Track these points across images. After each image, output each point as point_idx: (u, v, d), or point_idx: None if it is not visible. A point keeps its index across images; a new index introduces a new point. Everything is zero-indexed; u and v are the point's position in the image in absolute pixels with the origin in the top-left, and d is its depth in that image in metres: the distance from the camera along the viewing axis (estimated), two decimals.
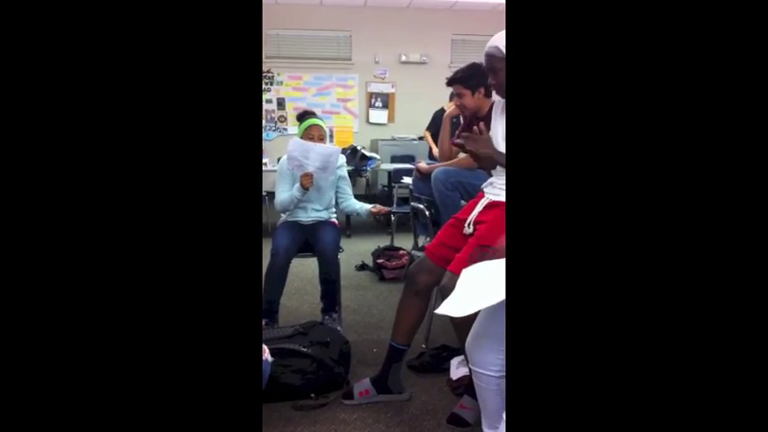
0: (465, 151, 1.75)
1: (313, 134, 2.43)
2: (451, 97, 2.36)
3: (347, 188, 2.60)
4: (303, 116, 2.51)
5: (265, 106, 6.33)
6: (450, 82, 2.30)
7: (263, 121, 6.36)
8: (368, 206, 2.53)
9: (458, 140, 1.71)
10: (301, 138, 2.43)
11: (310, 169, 2.35)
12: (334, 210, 2.62)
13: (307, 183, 2.35)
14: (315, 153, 2.34)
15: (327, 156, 2.36)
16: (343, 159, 2.60)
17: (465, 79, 2.22)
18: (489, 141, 1.67)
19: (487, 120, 1.77)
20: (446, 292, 1.66)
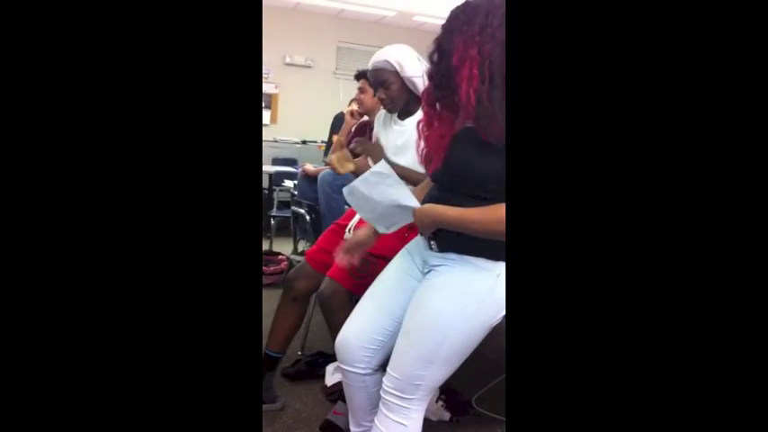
0: (356, 156, 1.78)
1: None
2: (351, 103, 2.40)
3: None
4: None
5: None
6: (359, 75, 2.33)
7: None
8: None
9: (352, 146, 1.75)
10: None
11: None
12: None
13: None
14: None
15: None
16: None
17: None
18: (382, 150, 1.72)
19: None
20: (323, 298, 1.65)
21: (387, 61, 1.61)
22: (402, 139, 1.68)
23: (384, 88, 1.64)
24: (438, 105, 1.16)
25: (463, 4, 1.11)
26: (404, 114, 1.70)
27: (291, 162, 4.78)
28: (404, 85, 1.63)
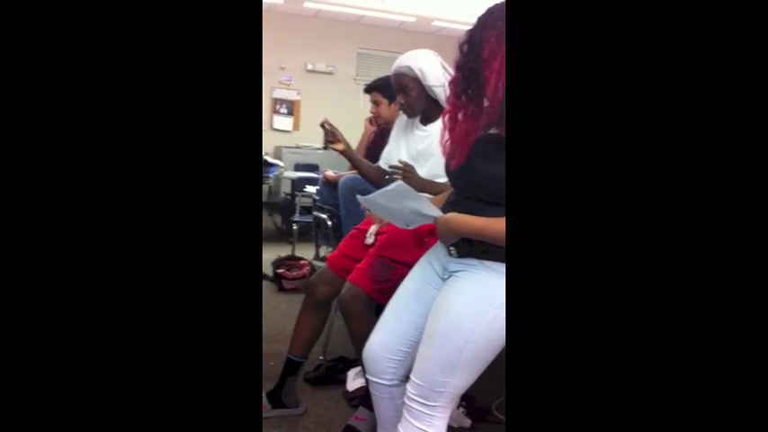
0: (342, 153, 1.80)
1: None
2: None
3: None
4: None
5: None
6: (368, 89, 2.32)
7: None
8: None
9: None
10: None
11: None
12: None
13: None
14: None
15: None
16: None
17: (383, 88, 2.25)
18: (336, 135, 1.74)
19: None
20: (344, 303, 1.66)
21: (409, 67, 1.61)
22: (424, 143, 1.68)
23: (404, 93, 1.65)
24: (464, 98, 1.16)
25: (500, 3, 1.12)
26: (425, 120, 1.70)
27: (313, 168, 4.82)
28: (424, 92, 1.62)
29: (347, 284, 1.68)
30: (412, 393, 1.12)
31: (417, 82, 1.61)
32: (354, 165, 1.87)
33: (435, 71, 1.60)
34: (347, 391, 1.95)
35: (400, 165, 1.54)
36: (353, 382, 1.96)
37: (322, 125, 1.76)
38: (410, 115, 1.71)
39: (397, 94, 1.68)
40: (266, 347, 2.34)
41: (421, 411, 1.11)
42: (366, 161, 1.92)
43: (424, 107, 1.66)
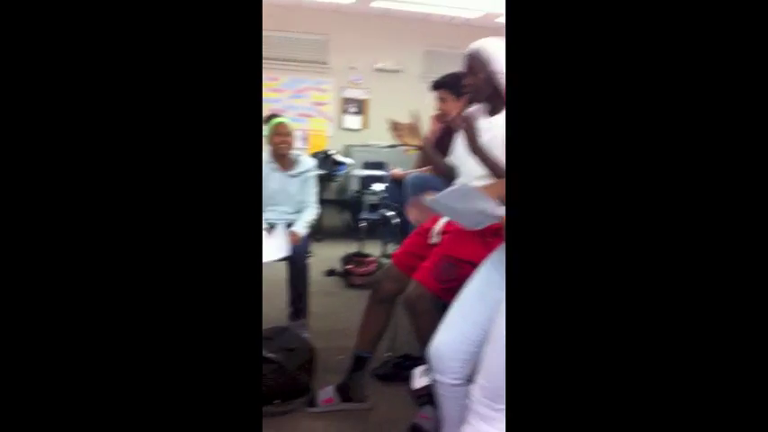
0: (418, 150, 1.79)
1: (279, 132, 2.46)
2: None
3: (307, 196, 2.59)
4: (270, 118, 2.55)
5: None
6: (436, 86, 2.32)
7: None
8: (295, 228, 2.48)
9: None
10: (271, 136, 2.47)
11: None
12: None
13: None
14: None
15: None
16: (311, 163, 2.61)
17: (450, 84, 2.24)
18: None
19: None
20: (409, 301, 1.68)
21: (478, 50, 1.61)
22: (487, 136, 1.66)
23: (472, 75, 1.64)
24: None
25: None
26: (490, 112, 1.68)
27: (381, 166, 4.87)
28: (489, 78, 1.61)
29: (413, 283, 1.70)
30: (477, 395, 1.12)
31: (484, 66, 1.60)
32: (431, 161, 1.87)
33: (501, 58, 1.58)
34: (413, 389, 1.96)
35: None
36: (420, 380, 1.97)
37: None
38: (476, 99, 1.69)
39: (467, 77, 1.67)
40: (335, 342, 2.41)
41: (486, 414, 1.11)
42: (441, 158, 1.91)
43: (489, 93, 1.64)
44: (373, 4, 5.68)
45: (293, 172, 2.54)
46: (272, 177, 2.50)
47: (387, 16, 6.12)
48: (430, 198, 1.22)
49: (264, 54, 6.75)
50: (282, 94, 6.32)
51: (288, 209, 2.54)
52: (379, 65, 6.35)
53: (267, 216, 2.51)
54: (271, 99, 6.26)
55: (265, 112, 2.62)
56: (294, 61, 6.25)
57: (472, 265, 1.34)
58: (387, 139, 5.91)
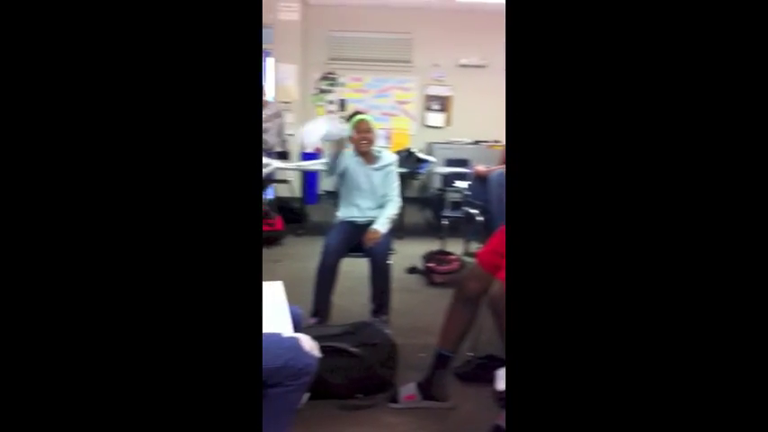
0: None
1: (361, 128, 2.55)
2: None
3: (390, 189, 2.63)
4: (352, 116, 2.67)
5: (328, 107, 6.46)
6: None
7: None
8: (377, 226, 2.50)
9: None
10: (352, 132, 2.56)
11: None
12: None
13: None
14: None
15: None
16: (393, 158, 2.65)
17: None
18: None
19: None
20: (493, 300, 1.64)
21: None
22: None
23: None
24: None
25: None
26: None
27: (464, 163, 4.81)
28: None
29: (497, 283, 1.66)
30: None
31: None
32: None
33: None
34: (496, 391, 1.92)
35: None
36: (503, 381, 1.93)
37: None
38: None
39: None
40: (416, 339, 2.41)
41: None
42: None
43: None
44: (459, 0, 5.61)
45: (376, 166, 2.62)
46: (357, 171, 2.58)
47: (471, 11, 6.02)
48: None
49: (348, 55, 6.92)
50: (366, 95, 6.43)
51: (371, 203, 2.58)
52: (463, 60, 6.26)
53: (353, 213, 2.59)
54: (354, 99, 6.39)
55: (352, 112, 2.70)
56: (378, 61, 6.33)
57: None
58: (470, 135, 5.84)
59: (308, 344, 1.31)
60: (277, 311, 1.45)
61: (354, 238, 2.49)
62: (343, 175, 2.59)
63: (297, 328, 1.41)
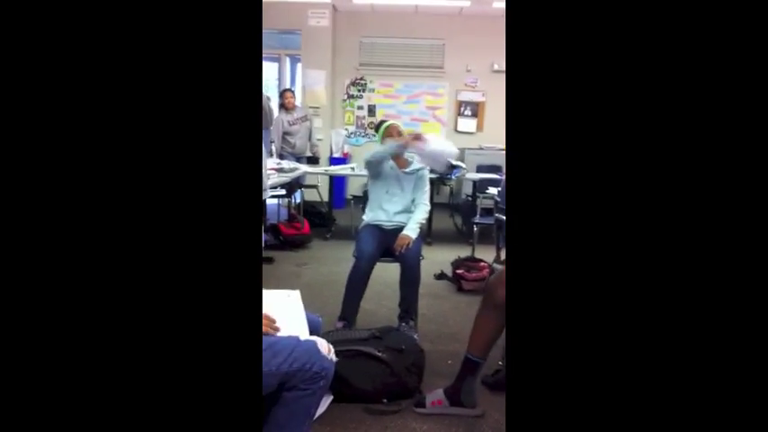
0: None
1: (392, 132, 2.62)
2: None
3: (420, 194, 2.63)
4: (379, 124, 2.74)
5: (357, 113, 6.49)
6: None
7: (353, 127, 6.53)
8: (407, 231, 2.48)
9: None
10: (383, 138, 2.62)
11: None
12: None
13: None
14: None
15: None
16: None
17: None
18: None
19: None
20: None
21: None
22: None
23: None
24: None
25: None
26: None
27: (496, 169, 4.75)
28: None
29: None
30: None
31: None
32: None
33: None
34: None
35: None
36: None
37: None
38: None
39: None
40: (443, 346, 2.38)
41: None
42: None
43: None
44: (496, 5, 5.58)
45: (408, 170, 2.64)
46: (389, 174, 2.61)
47: (503, 17, 5.98)
48: None
49: (379, 60, 6.94)
50: (397, 100, 6.44)
51: (399, 207, 2.58)
52: (497, 66, 6.21)
53: (380, 218, 2.59)
54: (384, 105, 6.40)
55: (381, 118, 2.72)
56: (409, 67, 6.33)
57: None
58: (501, 141, 5.78)
59: (325, 347, 1.30)
60: (294, 319, 1.45)
61: (385, 243, 2.48)
62: (377, 176, 2.60)
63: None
